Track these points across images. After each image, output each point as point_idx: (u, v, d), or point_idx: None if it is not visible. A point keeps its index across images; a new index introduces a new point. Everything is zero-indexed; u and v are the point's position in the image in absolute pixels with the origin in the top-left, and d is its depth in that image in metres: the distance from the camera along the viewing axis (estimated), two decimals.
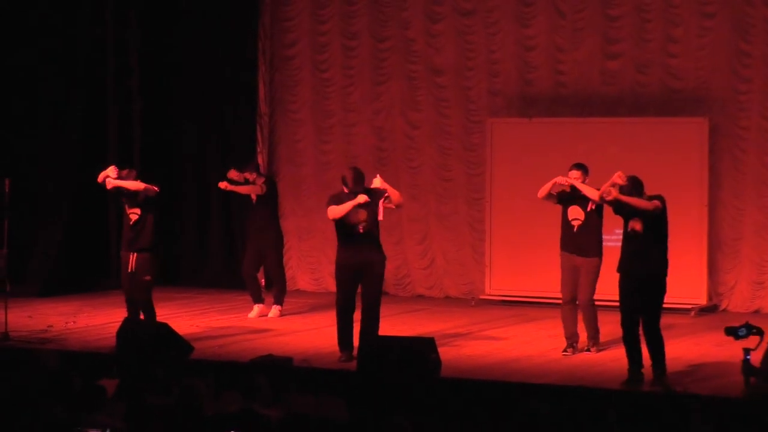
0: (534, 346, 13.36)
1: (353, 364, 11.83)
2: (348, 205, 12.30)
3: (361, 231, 12.42)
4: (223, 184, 15.28)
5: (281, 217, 16.24)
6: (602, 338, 12.96)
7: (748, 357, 9.75)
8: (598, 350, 12.77)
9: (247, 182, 15.26)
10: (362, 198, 12.28)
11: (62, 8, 17.55)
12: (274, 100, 18.06)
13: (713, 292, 15.90)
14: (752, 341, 9.99)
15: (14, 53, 17.49)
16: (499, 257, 16.47)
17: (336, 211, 12.38)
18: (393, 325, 14.40)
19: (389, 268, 17.14)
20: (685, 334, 14.08)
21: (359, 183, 12.41)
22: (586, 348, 12.82)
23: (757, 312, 15.65)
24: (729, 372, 11.97)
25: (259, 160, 17.48)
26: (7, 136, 17.52)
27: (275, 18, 17.97)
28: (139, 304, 13.38)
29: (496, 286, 16.52)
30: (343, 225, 12.49)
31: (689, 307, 15.44)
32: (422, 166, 17.37)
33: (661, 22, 16.07)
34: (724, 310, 15.88)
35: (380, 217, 12.50)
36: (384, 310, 14.90)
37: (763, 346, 9.94)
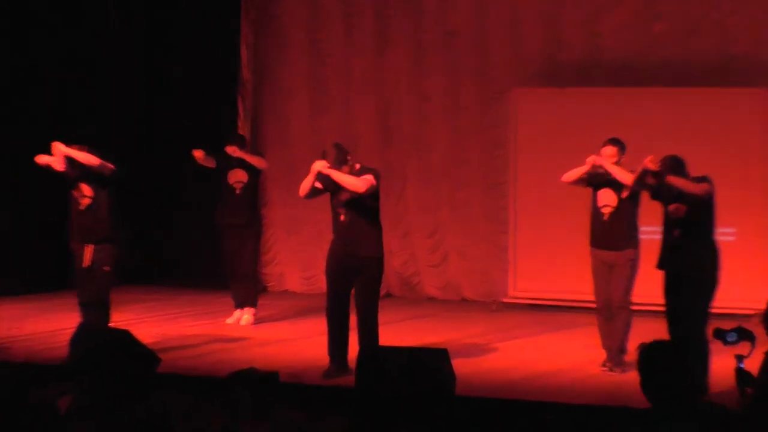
0: (567, 358, 13.31)
1: (348, 380, 11.62)
2: (309, 179, 12.38)
3: (343, 220, 12.46)
4: (201, 155, 15.15)
5: (265, 206, 16.07)
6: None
7: (742, 365, 9.63)
8: (622, 371, 12.41)
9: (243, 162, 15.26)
10: (317, 164, 12.27)
11: None
12: (259, 69, 18.06)
13: None
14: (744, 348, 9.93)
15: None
16: (524, 253, 16.48)
17: (304, 186, 12.48)
18: (399, 332, 14.29)
19: (394, 265, 17.26)
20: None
21: (341, 162, 12.38)
22: (602, 364, 12.63)
23: None
24: None
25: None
26: None
27: None
28: (94, 302, 13.23)
29: (521, 287, 16.57)
30: (332, 211, 12.57)
31: (752, 312, 15.15)
32: (434, 146, 17.40)
33: None
34: None
35: (371, 206, 12.51)
36: (389, 315, 14.81)
37: (759, 353, 9.83)
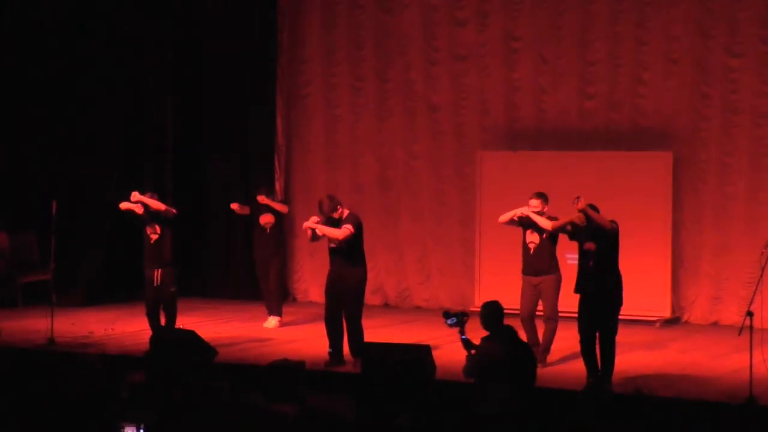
0: None
1: (358, 368, 11.85)
2: (308, 233, 12.73)
3: (334, 246, 12.67)
4: (236, 207, 15.32)
5: (295, 237, 16.17)
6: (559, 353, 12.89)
7: (464, 336, 10.30)
8: (543, 367, 12.34)
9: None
10: (308, 222, 12.65)
11: (107, 50, 17.63)
12: (290, 133, 18.08)
13: (676, 305, 15.92)
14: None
15: (61, 88, 17.56)
16: (486, 273, 16.45)
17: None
18: (394, 333, 14.45)
19: (390, 281, 17.34)
20: (651, 343, 14.13)
21: (332, 210, 12.60)
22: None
23: (715, 324, 15.69)
24: (691, 376, 12.08)
25: (277, 186, 17.53)
26: (55, 162, 17.57)
27: (292, 60, 18.00)
28: (168, 312, 13.40)
29: (484, 298, 15.94)
30: (328, 248, 12.78)
31: (654, 319, 15.48)
32: (421, 191, 17.36)
33: (631, 66, 16.10)
34: (685, 321, 15.90)
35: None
36: (386, 320, 15.02)
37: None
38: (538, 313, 12.90)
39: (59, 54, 17.51)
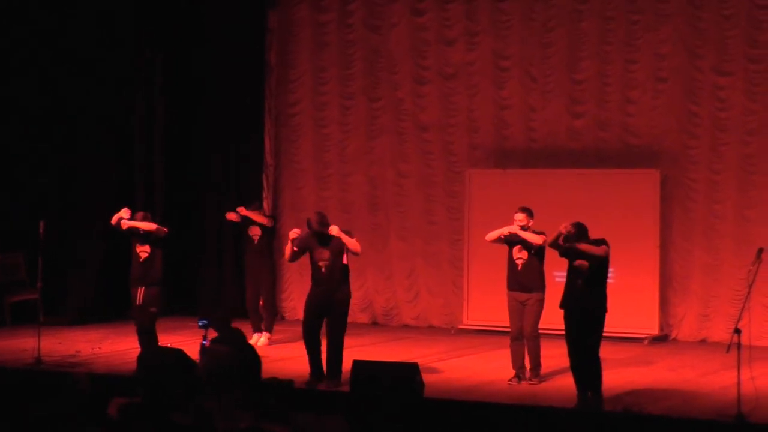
0: (506, 370, 13.14)
1: (345, 387, 11.83)
2: (288, 246, 12.49)
3: (324, 272, 12.46)
4: (231, 216, 15.37)
5: (283, 256, 16.11)
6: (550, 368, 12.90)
7: (205, 342, 10.23)
8: (540, 381, 12.54)
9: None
10: (291, 233, 12.46)
11: (96, 66, 17.59)
12: (279, 152, 18.08)
13: (664, 323, 15.94)
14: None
15: (47, 104, 17.53)
16: (475, 291, 16.45)
17: (287, 252, 12.59)
18: (382, 351, 14.43)
19: (379, 300, 17.35)
20: (640, 360, 14.13)
21: (322, 226, 12.45)
22: (528, 378, 12.62)
23: (703, 341, 15.71)
24: (679, 393, 12.08)
25: (265, 205, 17.49)
26: (43, 182, 17.55)
27: (281, 80, 18.03)
28: (144, 332, 13.28)
29: (472, 316, 16.50)
30: (311, 264, 12.56)
31: (643, 336, 15.50)
32: (410, 211, 17.38)
33: (619, 85, 16.16)
34: (674, 339, 15.92)
35: (344, 261, 12.49)
36: (374, 338, 15.02)
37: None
38: None
39: (48, 72, 17.53)
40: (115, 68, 17.72)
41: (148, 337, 13.31)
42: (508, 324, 12.47)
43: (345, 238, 12.41)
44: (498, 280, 15.91)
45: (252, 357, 9.69)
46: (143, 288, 13.25)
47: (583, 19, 16.33)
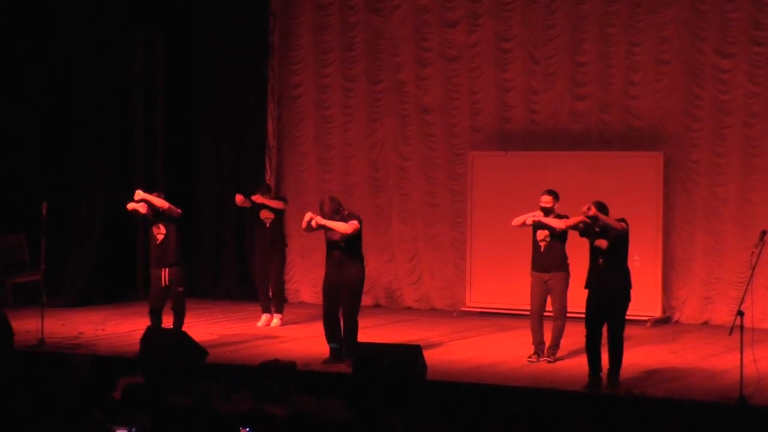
0: (508, 352, 13.34)
1: (346, 368, 11.85)
2: (304, 220, 12.64)
3: (335, 252, 12.63)
4: (242, 200, 15.30)
5: (287, 238, 16.22)
6: (562, 349, 12.93)
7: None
8: (555, 360, 12.68)
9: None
10: (318, 219, 12.54)
11: (100, 54, 17.57)
12: (281, 135, 18.02)
13: (667, 305, 15.94)
14: None
15: (53, 90, 17.53)
16: (478, 274, 16.44)
17: (303, 222, 12.70)
18: (385, 333, 14.42)
19: (382, 282, 17.35)
20: (642, 342, 14.12)
21: (333, 210, 12.58)
22: (546, 355, 12.76)
23: (706, 323, 15.71)
24: (681, 376, 12.08)
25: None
26: (45, 163, 17.55)
27: (283, 62, 17.97)
28: (176, 312, 13.39)
29: (475, 299, 16.48)
30: (326, 245, 12.70)
31: (646, 318, 15.48)
32: (412, 193, 17.34)
33: (622, 67, 16.11)
34: (676, 321, 15.92)
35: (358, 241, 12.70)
36: (377, 320, 15.03)
37: None
38: (547, 313, 12.92)
39: (48, 56, 17.49)
40: (116, 50, 17.68)
41: (180, 317, 13.42)
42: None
43: (329, 223, 12.55)
44: (500, 262, 16.07)
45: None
46: (166, 269, 13.33)
47: (585, 1, 16.27)
